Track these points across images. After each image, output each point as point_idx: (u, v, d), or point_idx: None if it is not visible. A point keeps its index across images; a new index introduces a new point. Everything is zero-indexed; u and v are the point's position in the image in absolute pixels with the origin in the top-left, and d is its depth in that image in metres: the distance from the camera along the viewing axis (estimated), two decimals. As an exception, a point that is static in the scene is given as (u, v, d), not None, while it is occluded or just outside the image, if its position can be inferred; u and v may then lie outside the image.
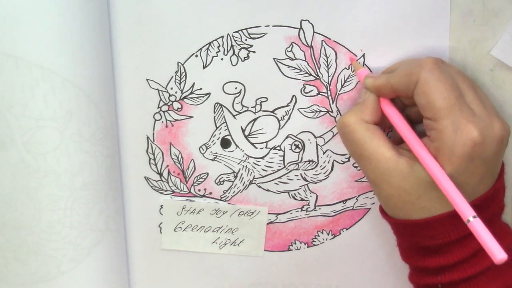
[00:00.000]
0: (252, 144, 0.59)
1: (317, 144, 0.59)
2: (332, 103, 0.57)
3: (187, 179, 0.60)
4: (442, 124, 0.47)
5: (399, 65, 0.53)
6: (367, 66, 0.56)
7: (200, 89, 0.57)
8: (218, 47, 0.56)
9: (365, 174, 0.53)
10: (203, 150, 0.59)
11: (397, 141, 0.54)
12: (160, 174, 0.60)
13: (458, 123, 0.47)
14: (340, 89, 0.57)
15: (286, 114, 0.58)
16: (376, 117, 0.53)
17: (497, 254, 0.44)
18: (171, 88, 0.57)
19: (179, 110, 0.58)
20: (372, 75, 0.54)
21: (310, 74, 0.57)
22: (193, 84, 0.57)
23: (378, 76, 0.53)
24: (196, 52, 0.56)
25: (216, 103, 0.57)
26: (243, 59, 0.56)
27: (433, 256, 0.51)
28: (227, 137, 0.58)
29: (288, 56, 0.56)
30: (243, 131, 0.58)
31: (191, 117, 0.58)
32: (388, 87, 0.51)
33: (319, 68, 0.56)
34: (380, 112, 0.53)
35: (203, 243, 0.62)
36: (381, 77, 0.53)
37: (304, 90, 0.57)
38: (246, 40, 0.55)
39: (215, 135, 0.58)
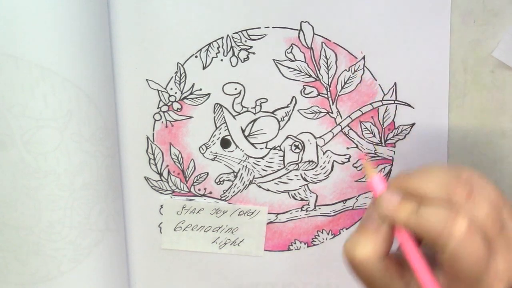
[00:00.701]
0: (252, 144, 0.59)
1: (317, 145, 0.59)
2: (332, 104, 0.57)
3: (187, 179, 0.60)
4: None
5: (429, 191, 0.42)
6: (369, 70, 0.56)
7: (200, 89, 0.57)
8: (218, 48, 0.56)
9: None
10: (203, 150, 0.59)
11: None
12: (160, 174, 0.60)
13: (484, 286, 0.41)
14: (340, 90, 0.57)
15: (286, 115, 0.58)
16: (389, 247, 0.44)
17: None
18: (171, 89, 0.57)
19: (179, 110, 0.58)
20: (391, 199, 0.43)
21: (310, 76, 0.56)
22: (193, 84, 0.57)
23: (400, 205, 0.42)
24: (195, 53, 0.56)
25: (216, 103, 0.57)
26: (243, 60, 0.56)
27: None
28: (227, 137, 0.58)
29: (288, 58, 0.56)
30: (243, 131, 0.58)
31: (191, 117, 0.58)
32: (411, 226, 0.42)
33: (319, 70, 0.56)
34: (393, 240, 0.44)
35: (203, 242, 0.62)
36: (403, 210, 0.42)
37: (304, 91, 0.57)
38: (246, 41, 0.55)
39: (215, 135, 0.58)
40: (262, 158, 0.59)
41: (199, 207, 0.61)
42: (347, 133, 0.59)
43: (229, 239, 0.62)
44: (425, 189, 0.42)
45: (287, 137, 0.59)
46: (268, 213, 0.61)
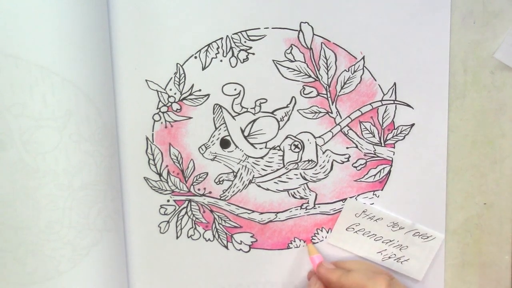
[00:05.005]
0: (252, 144, 0.59)
1: (316, 144, 0.59)
2: (332, 104, 0.57)
3: (186, 179, 0.60)
4: None
5: (356, 267, 0.59)
6: (368, 70, 0.56)
7: (199, 90, 0.57)
8: (217, 48, 0.56)
9: None
10: (203, 150, 0.59)
11: None
12: (160, 174, 0.60)
13: None
14: (340, 90, 0.57)
15: (286, 115, 0.58)
16: None
17: None
18: (170, 89, 0.57)
19: (178, 111, 0.58)
20: (326, 266, 0.59)
21: (310, 76, 0.56)
22: (192, 85, 0.57)
23: (332, 269, 0.58)
24: (195, 54, 0.56)
25: (215, 104, 0.57)
26: (242, 61, 0.56)
27: None
28: (226, 137, 0.58)
29: (288, 58, 0.56)
30: (243, 131, 0.58)
31: (190, 118, 0.58)
32: (338, 285, 0.56)
33: (318, 70, 0.56)
34: None
35: (368, 249, 0.62)
36: (335, 272, 0.57)
37: (303, 91, 0.57)
38: (245, 42, 0.55)
39: (214, 135, 0.58)
40: (261, 158, 0.59)
41: (379, 216, 0.61)
42: (346, 133, 0.58)
43: (395, 254, 0.62)
44: (354, 266, 0.59)
45: (286, 137, 0.58)
46: (268, 212, 0.61)
